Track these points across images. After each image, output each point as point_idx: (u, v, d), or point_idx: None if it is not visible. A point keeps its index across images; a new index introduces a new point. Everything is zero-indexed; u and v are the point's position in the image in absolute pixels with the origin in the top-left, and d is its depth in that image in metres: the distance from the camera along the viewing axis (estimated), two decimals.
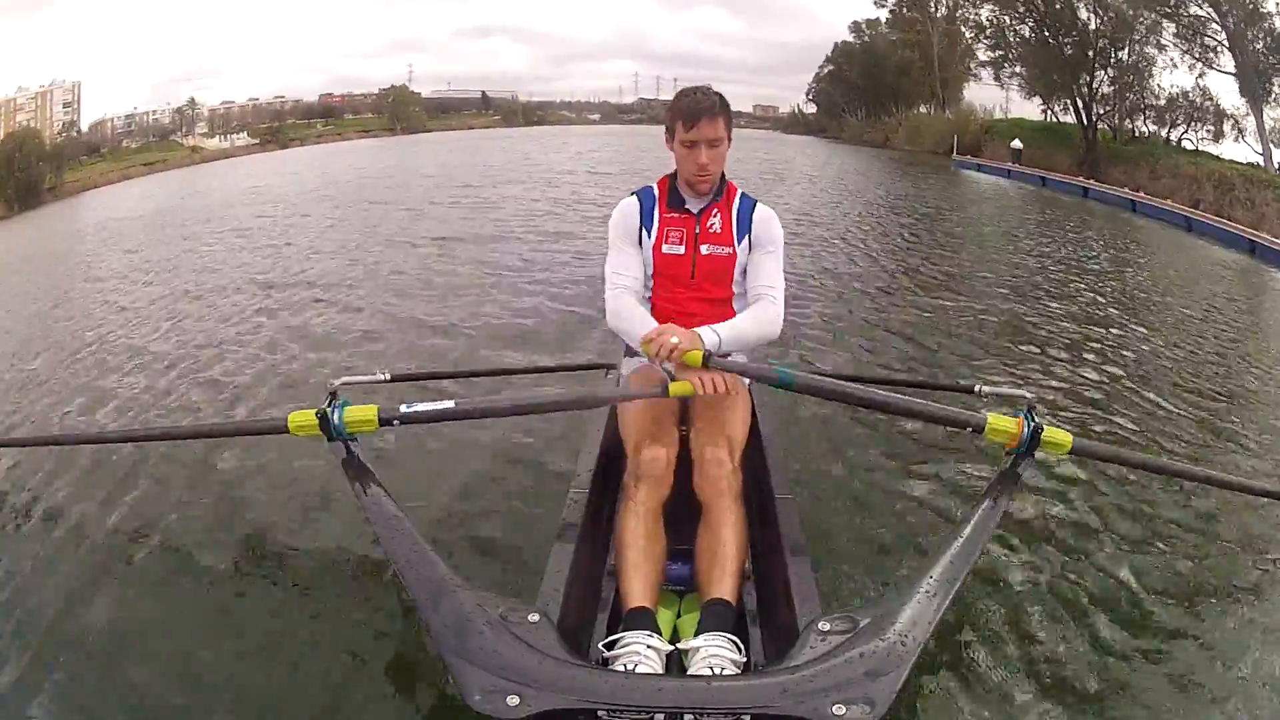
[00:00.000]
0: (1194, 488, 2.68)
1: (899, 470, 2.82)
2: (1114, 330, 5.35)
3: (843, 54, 33.13)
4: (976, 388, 2.28)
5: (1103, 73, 20.89)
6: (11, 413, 3.81)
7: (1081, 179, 16.67)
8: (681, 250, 1.98)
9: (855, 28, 32.65)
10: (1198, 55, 18.95)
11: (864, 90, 31.47)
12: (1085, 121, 21.54)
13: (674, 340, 1.66)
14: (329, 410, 1.66)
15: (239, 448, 2.90)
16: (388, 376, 2.27)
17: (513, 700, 1.07)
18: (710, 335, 1.76)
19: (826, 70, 34.30)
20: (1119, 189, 15.49)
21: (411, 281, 6.22)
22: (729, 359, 1.77)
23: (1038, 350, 4.64)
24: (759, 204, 2.03)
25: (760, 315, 1.91)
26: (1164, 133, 20.42)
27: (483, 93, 44.37)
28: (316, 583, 2.18)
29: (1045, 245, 9.12)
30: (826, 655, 1.16)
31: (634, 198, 2.03)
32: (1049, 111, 23.68)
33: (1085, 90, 21.38)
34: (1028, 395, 1.73)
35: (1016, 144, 20.41)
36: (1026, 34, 23.98)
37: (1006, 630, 1.92)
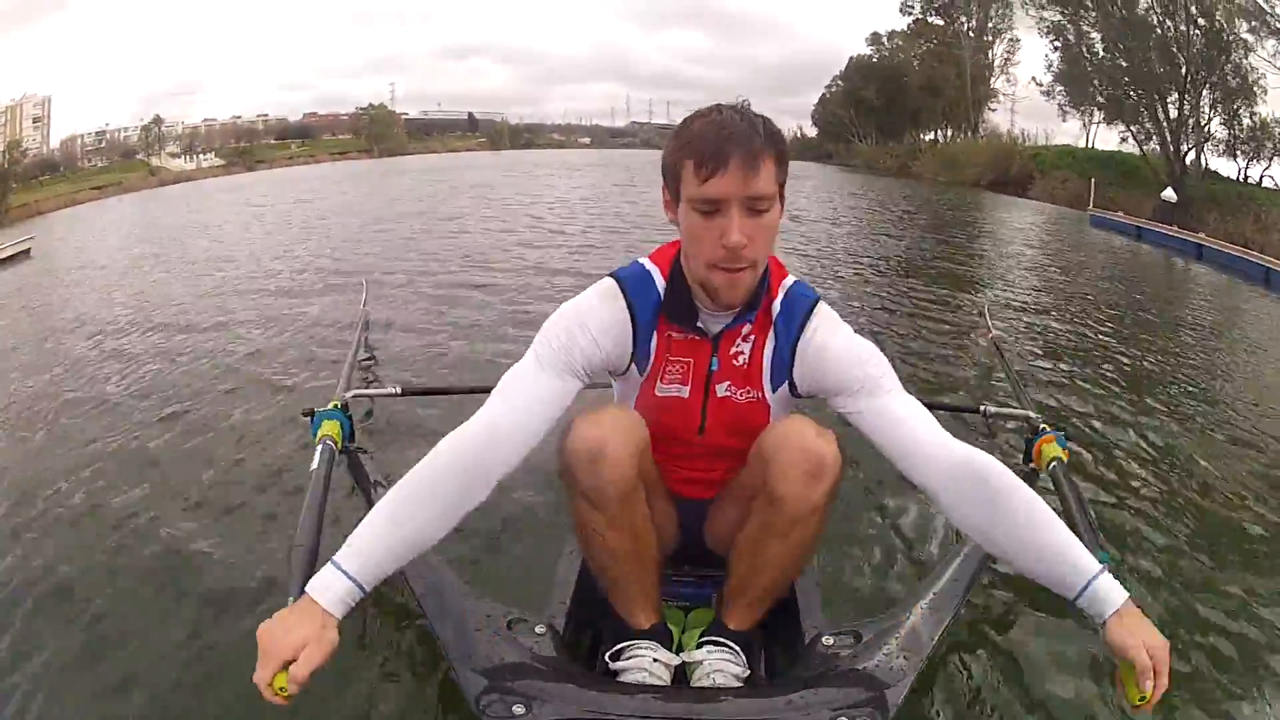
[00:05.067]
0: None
1: (905, 481, 1.94)
2: None
3: (857, 70, 29.24)
4: (981, 408, 2.28)
5: (1193, 96, 16.14)
6: None
7: None
8: (686, 393, 1.20)
9: (874, 40, 28.79)
10: None
11: (880, 111, 27.34)
12: (1171, 154, 16.43)
13: None
14: (310, 421, 1.84)
15: (239, 450, 2.66)
16: (399, 390, 2.30)
17: (518, 710, 1.05)
18: None
19: (834, 89, 30.52)
20: None
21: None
22: None
23: None
24: (819, 309, 1.16)
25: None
26: (1243, 168, 16.11)
27: (469, 114, 43.18)
28: None
29: None
30: (831, 669, 1.15)
31: (616, 293, 1.15)
32: (1126, 139, 18.42)
33: (1172, 115, 16.34)
34: (1033, 415, 1.89)
35: (1169, 195, 13.03)
36: (1099, 48, 18.79)
37: (1014, 645, 1.78)
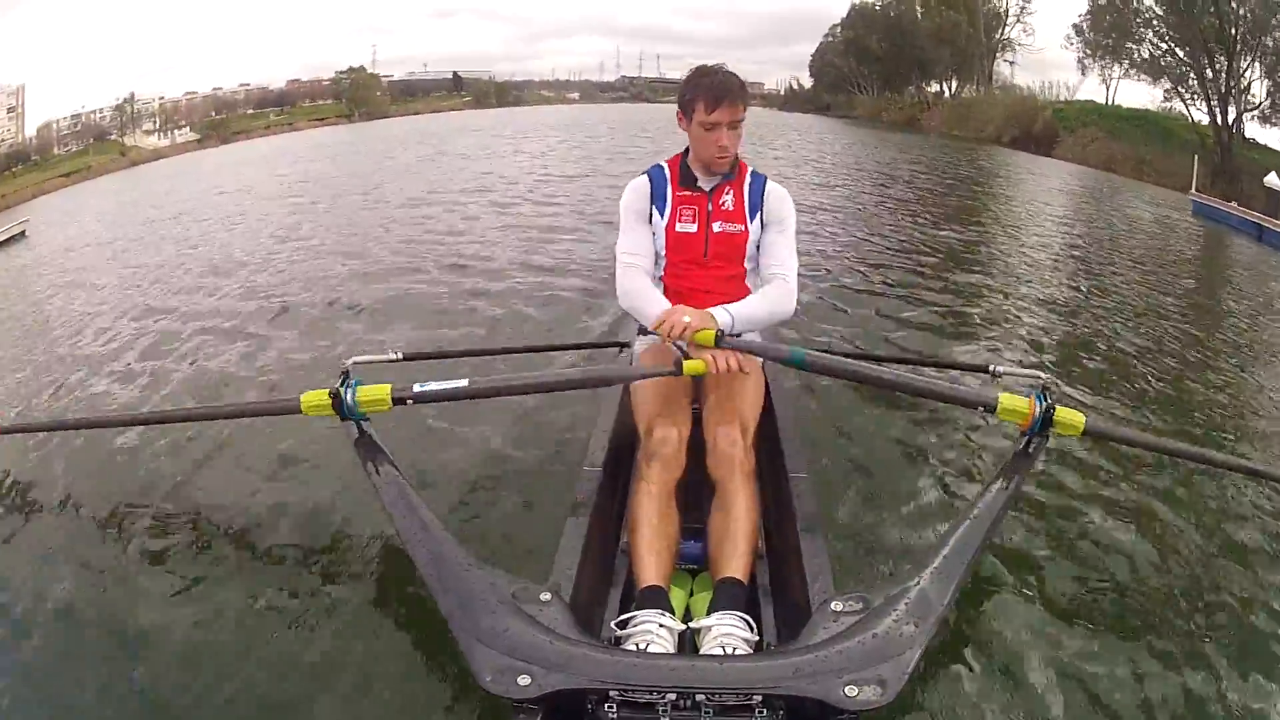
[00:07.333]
0: (1228, 475, 2.49)
1: (914, 449, 2.67)
2: None
3: (860, 17, 27.45)
4: (991, 367, 2.30)
5: (1240, 58, 14.60)
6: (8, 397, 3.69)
7: None
8: (694, 228, 1.96)
9: None
10: None
11: (884, 61, 25.55)
12: (1219, 119, 15.23)
13: (686, 319, 1.71)
14: (342, 390, 1.70)
15: (248, 427, 2.81)
16: (400, 355, 2.30)
17: (523, 680, 1.06)
18: (723, 315, 1.76)
19: (833, 39, 28.67)
20: None
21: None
22: (741, 338, 1.75)
23: None
24: (769, 181, 2.01)
25: (772, 295, 1.92)
26: None
27: (454, 73, 41.43)
28: (327, 563, 2.09)
29: None
30: (838, 636, 1.15)
31: (645, 177, 2.00)
32: (1172, 99, 16.93)
33: (1222, 78, 14.90)
34: (1042, 376, 1.83)
35: (1274, 181, 10.46)
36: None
37: (1021, 612, 1.84)
